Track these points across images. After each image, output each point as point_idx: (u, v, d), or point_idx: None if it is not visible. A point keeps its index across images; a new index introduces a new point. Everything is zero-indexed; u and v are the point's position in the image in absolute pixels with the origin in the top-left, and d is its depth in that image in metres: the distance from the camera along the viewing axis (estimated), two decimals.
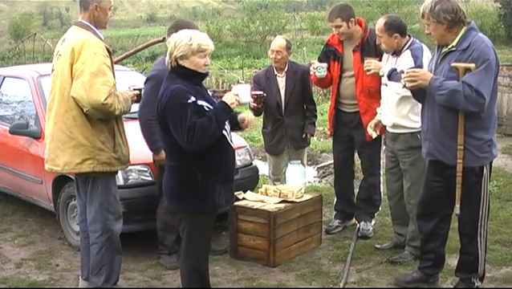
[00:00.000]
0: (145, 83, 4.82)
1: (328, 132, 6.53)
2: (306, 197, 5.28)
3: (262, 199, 5.17)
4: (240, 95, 3.76)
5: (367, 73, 4.85)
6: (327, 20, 5.54)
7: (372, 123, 5.03)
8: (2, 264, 5.14)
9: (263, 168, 7.15)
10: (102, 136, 4.08)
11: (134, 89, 4.28)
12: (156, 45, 9.88)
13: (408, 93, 4.36)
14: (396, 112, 4.78)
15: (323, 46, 5.71)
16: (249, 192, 5.35)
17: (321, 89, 13.13)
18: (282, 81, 5.70)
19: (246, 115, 4.05)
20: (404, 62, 4.67)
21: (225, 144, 3.74)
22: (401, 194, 4.96)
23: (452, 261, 4.61)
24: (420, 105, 4.37)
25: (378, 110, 5.06)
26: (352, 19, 5.31)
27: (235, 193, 4.95)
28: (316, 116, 5.89)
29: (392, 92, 4.75)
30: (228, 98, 3.71)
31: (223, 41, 33.30)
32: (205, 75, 3.78)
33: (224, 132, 3.70)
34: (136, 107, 4.65)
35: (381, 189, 5.66)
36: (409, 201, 4.86)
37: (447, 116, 3.98)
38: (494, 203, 6.06)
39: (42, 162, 4.35)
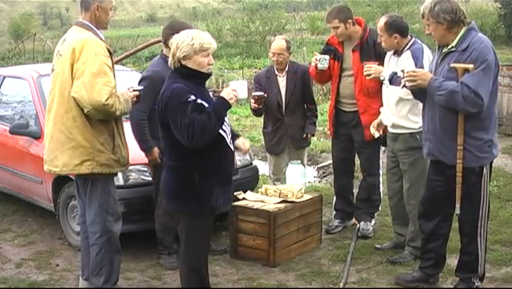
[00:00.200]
0: (139, 83, 4.78)
1: (328, 132, 6.53)
2: (306, 197, 5.28)
3: (262, 199, 5.17)
4: (238, 90, 3.75)
5: (368, 78, 4.85)
6: (325, 21, 5.57)
7: (375, 122, 5.02)
8: (2, 264, 5.14)
9: (263, 168, 7.15)
10: (101, 137, 4.07)
11: (134, 90, 4.27)
12: (156, 45, 9.87)
13: (409, 96, 4.37)
14: (396, 112, 4.78)
15: (323, 46, 5.72)
16: (249, 192, 5.35)
17: (321, 89, 13.14)
18: (282, 81, 5.71)
19: (242, 142, 4.05)
20: (405, 62, 4.67)
21: (225, 145, 3.74)
22: (402, 194, 4.95)
23: (452, 261, 4.61)
24: (419, 106, 4.38)
25: (381, 110, 5.06)
26: (350, 20, 5.31)
27: (235, 193, 4.97)
28: (317, 116, 5.90)
29: (392, 93, 4.75)
30: (226, 93, 3.70)
31: (223, 41, 33.20)
32: (208, 75, 3.76)
33: (223, 133, 3.70)
34: None
35: (381, 189, 5.67)
36: (409, 202, 4.86)
37: (447, 117, 3.98)
38: (494, 203, 6.06)
39: (42, 162, 4.34)
